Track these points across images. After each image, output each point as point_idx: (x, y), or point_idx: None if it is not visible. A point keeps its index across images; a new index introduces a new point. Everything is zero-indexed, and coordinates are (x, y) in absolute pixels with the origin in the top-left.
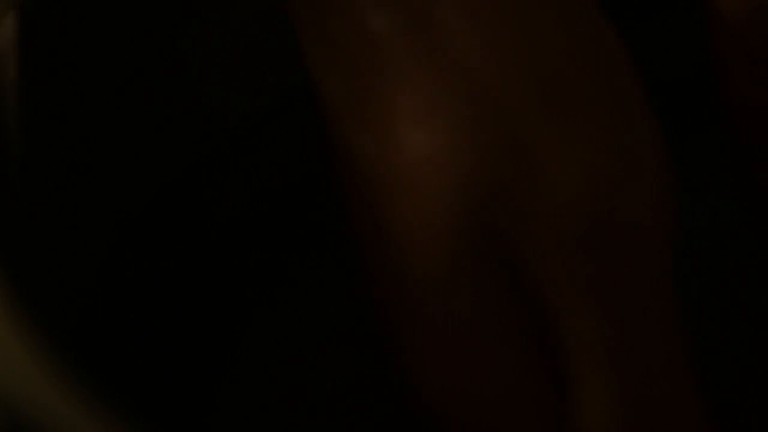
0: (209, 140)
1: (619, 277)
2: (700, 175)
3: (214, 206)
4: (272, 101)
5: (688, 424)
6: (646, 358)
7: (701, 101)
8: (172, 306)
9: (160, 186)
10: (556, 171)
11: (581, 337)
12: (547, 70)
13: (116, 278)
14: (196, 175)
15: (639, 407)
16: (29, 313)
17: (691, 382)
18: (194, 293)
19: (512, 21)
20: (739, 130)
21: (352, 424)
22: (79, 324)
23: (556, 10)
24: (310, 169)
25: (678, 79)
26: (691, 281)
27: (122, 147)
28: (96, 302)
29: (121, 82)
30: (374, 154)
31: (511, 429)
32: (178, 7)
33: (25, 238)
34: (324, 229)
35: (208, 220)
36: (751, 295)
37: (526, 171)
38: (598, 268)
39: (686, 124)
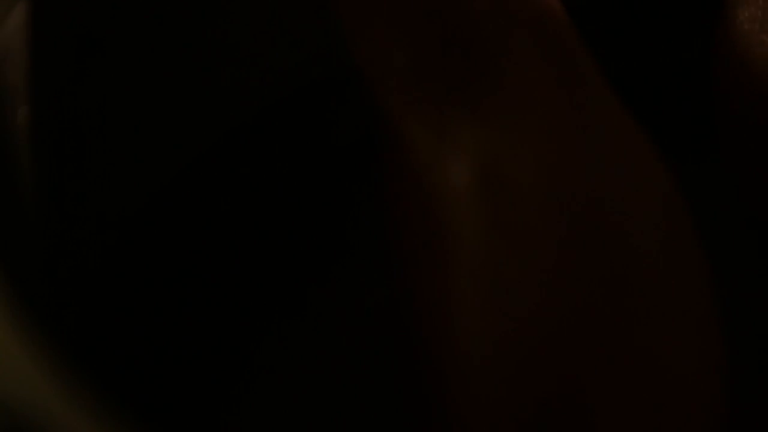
0: (209, 139)
1: None
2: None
3: (215, 205)
4: (272, 99)
5: None
6: None
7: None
8: (174, 305)
9: (160, 185)
10: None
11: None
12: (607, 298)
13: (116, 278)
14: (196, 174)
15: None
16: (28, 314)
17: None
18: (196, 292)
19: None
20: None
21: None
22: (79, 324)
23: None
24: (312, 166)
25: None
26: None
27: (122, 146)
28: (96, 302)
29: (121, 80)
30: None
31: None
32: (180, 5)
33: (25, 238)
34: (325, 227)
35: (209, 219)
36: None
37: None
38: None
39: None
